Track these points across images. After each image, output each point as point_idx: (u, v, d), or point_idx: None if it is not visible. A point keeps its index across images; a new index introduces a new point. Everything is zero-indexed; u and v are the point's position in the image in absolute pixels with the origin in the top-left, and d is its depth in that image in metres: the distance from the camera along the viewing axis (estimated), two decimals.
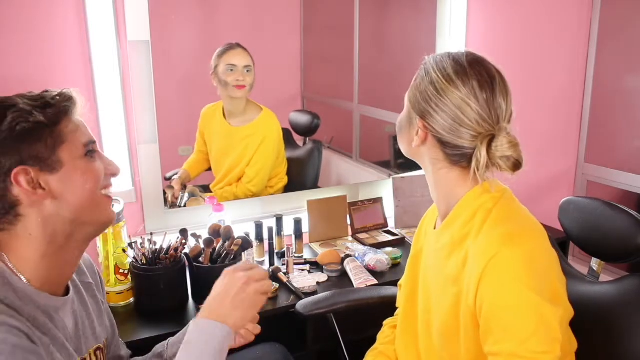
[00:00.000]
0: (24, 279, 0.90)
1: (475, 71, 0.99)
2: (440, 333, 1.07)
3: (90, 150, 0.94)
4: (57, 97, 0.92)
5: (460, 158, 1.01)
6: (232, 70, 2.12)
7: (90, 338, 1.04)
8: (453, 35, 2.28)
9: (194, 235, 1.67)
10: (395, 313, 1.35)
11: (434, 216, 1.18)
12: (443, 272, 1.05)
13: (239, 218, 2.03)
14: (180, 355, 0.91)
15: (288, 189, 2.30)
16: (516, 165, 0.97)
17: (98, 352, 1.06)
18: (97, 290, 1.13)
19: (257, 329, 1.10)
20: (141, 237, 1.62)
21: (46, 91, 0.93)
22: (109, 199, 0.99)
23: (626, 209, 1.17)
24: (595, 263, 1.26)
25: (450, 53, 1.04)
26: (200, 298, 1.64)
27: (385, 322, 1.36)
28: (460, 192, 1.04)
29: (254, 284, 0.99)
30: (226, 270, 1.02)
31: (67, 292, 1.00)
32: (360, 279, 1.77)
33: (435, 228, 1.14)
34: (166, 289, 1.58)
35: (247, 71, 2.13)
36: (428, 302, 1.12)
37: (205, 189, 2.28)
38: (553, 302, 0.92)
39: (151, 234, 1.65)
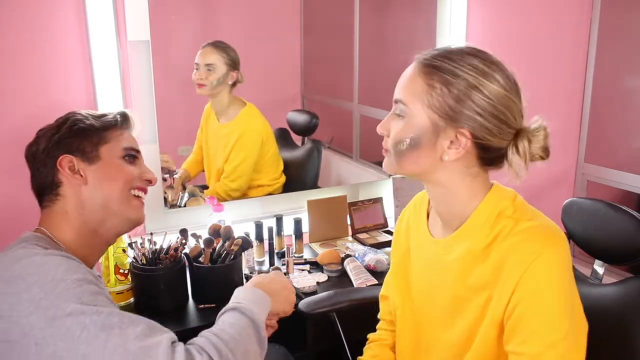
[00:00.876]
0: (63, 248, 1.03)
1: (500, 66, 0.97)
2: (451, 346, 1.04)
3: (129, 155, 1.12)
4: (114, 112, 1.13)
5: (496, 160, 0.98)
6: (196, 69, 2.12)
7: None
8: (453, 35, 2.27)
9: (194, 235, 1.67)
10: (378, 327, 1.30)
11: (421, 219, 1.13)
12: (465, 282, 1.00)
13: (239, 218, 2.03)
14: (230, 310, 0.99)
15: (288, 189, 2.29)
16: (548, 153, 0.96)
17: None
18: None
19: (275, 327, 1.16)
20: (141, 237, 1.61)
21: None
22: (139, 201, 1.13)
23: (630, 210, 1.17)
24: (598, 265, 1.26)
25: (452, 49, 0.98)
26: (200, 298, 1.64)
27: (370, 338, 1.30)
28: (477, 199, 1.00)
29: (292, 290, 1.17)
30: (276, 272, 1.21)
31: None
32: (360, 279, 1.77)
33: (433, 236, 1.09)
34: (166, 289, 1.58)
35: (209, 70, 2.11)
36: (435, 315, 1.07)
37: (205, 189, 2.28)
38: (582, 309, 0.93)
39: (151, 234, 1.65)
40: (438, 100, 0.94)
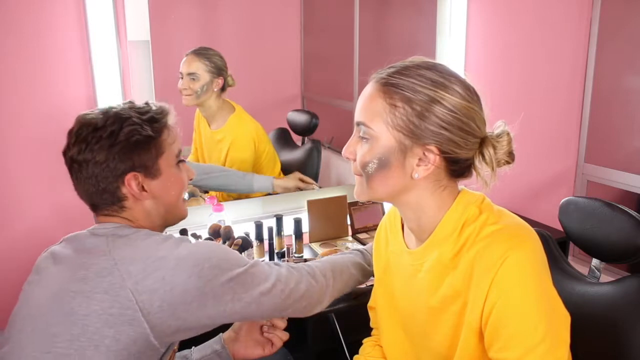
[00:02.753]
0: None
1: (457, 77, 0.95)
2: (437, 354, 1.04)
3: (180, 160, 1.13)
4: (160, 113, 1.08)
5: (464, 170, 0.98)
6: (181, 77, 2.11)
7: None
8: (453, 35, 2.27)
9: (194, 235, 1.67)
10: (372, 333, 1.30)
11: (397, 230, 1.12)
12: (437, 293, 1.00)
13: (239, 218, 2.03)
14: None
15: None
16: (513, 157, 0.97)
17: None
18: None
19: (286, 335, 1.26)
20: None
21: (147, 104, 1.10)
22: (185, 200, 1.16)
23: (626, 209, 1.17)
24: (595, 263, 1.26)
25: (407, 65, 0.96)
26: None
27: (365, 342, 1.30)
28: (444, 209, 0.99)
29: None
30: None
31: None
32: None
33: (407, 247, 1.08)
34: None
35: (192, 79, 2.09)
36: (418, 324, 1.07)
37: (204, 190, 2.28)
38: (560, 302, 0.92)
39: None
40: (402, 119, 0.93)
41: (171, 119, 1.12)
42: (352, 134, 1.01)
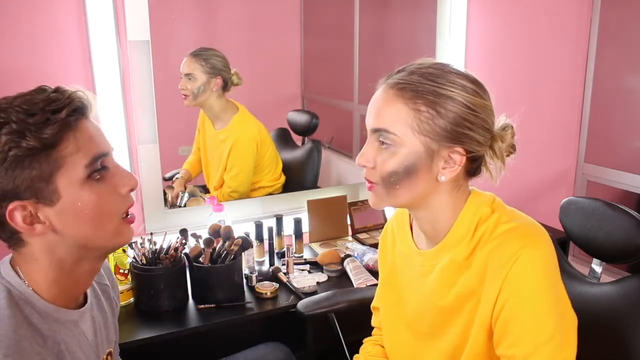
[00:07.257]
0: (41, 297, 0.85)
1: (469, 76, 0.96)
2: (444, 354, 1.03)
3: (97, 170, 0.83)
4: (58, 110, 0.79)
5: (478, 168, 0.99)
6: (181, 77, 2.11)
7: (104, 343, 1.02)
8: (453, 35, 2.27)
9: (194, 235, 1.67)
10: (373, 332, 1.30)
11: (406, 231, 1.11)
12: (451, 292, 1.00)
13: (239, 218, 2.03)
14: None
15: (288, 189, 2.29)
16: (515, 148, 0.99)
17: (109, 357, 1.04)
18: (112, 292, 1.10)
19: None
20: (141, 237, 1.62)
21: (55, 91, 0.82)
22: (127, 222, 0.89)
23: (627, 209, 1.17)
24: (596, 264, 1.26)
25: (420, 68, 0.94)
26: (200, 298, 1.64)
27: (365, 341, 1.30)
28: (458, 210, 0.99)
29: None
30: None
31: (85, 299, 0.97)
32: (360, 279, 1.77)
33: (418, 247, 1.08)
34: (166, 289, 1.59)
35: (189, 79, 2.10)
36: (426, 325, 1.06)
37: (205, 189, 2.28)
38: (569, 303, 0.93)
39: (151, 234, 1.65)
40: (428, 124, 0.91)
41: (83, 119, 0.83)
42: (366, 141, 0.97)
